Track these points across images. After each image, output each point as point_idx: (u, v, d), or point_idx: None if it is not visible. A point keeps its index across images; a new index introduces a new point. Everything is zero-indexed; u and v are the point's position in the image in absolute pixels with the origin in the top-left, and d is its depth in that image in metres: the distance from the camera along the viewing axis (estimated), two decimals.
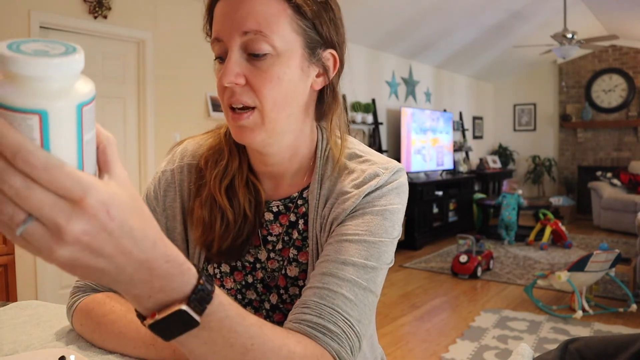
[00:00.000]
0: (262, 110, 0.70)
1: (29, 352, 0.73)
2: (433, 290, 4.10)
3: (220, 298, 0.48)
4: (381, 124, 5.79)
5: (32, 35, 2.95)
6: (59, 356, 0.68)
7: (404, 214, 0.78)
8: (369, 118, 5.55)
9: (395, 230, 0.75)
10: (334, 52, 0.76)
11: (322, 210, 0.77)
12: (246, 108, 0.70)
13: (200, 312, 0.45)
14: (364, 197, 0.74)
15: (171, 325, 0.45)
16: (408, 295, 3.96)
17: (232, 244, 0.79)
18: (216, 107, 3.98)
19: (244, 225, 0.79)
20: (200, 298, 0.45)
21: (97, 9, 3.22)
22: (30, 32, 2.94)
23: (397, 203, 0.76)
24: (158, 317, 0.44)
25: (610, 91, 7.38)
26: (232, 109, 0.71)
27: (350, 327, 0.64)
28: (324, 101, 0.80)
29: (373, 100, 5.71)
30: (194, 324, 0.45)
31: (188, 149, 0.87)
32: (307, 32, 0.72)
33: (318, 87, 0.77)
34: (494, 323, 3.30)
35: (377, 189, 0.75)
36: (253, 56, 0.69)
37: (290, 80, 0.71)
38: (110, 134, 0.42)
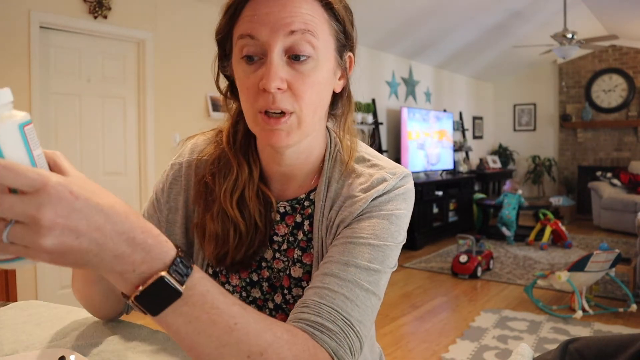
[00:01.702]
0: (300, 114, 0.69)
1: (29, 352, 0.73)
2: (433, 290, 4.10)
3: (201, 273, 0.51)
4: (381, 124, 5.79)
5: (33, 35, 2.95)
6: (59, 356, 0.68)
7: (409, 219, 0.78)
8: (369, 118, 5.55)
9: (401, 235, 0.75)
10: (351, 54, 0.77)
11: (329, 213, 0.77)
12: (282, 112, 0.69)
13: (181, 282, 0.48)
14: (371, 201, 0.74)
15: (155, 296, 0.47)
16: (408, 295, 3.96)
17: (244, 255, 0.79)
18: (216, 107, 3.98)
19: (255, 235, 0.79)
20: (180, 269, 0.48)
21: (97, 9, 3.22)
22: (30, 32, 2.95)
23: (404, 208, 0.76)
24: (142, 288, 0.47)
25: (610, 91, 7.38)
26: (264, 112, 0.69)
27: (350, 326, 0.64)
28: (339, 103, 0.80)
29: (373, 100, 5.71)
30: (176, 294, 0.48)
31: (199, 144, 0.86)
32: (338, 34, 0.73)
33: (339, 89, 0.77)
34: (494, 323, 3.30)
35: (384, 193, 0.75)
36: (294, 59, 0.67)
37: (326, 84, 0.72)
38: (56, 151, 0.47)
